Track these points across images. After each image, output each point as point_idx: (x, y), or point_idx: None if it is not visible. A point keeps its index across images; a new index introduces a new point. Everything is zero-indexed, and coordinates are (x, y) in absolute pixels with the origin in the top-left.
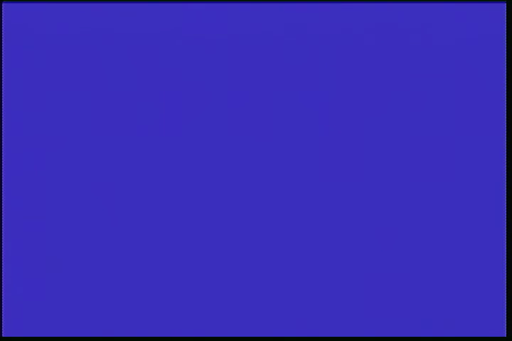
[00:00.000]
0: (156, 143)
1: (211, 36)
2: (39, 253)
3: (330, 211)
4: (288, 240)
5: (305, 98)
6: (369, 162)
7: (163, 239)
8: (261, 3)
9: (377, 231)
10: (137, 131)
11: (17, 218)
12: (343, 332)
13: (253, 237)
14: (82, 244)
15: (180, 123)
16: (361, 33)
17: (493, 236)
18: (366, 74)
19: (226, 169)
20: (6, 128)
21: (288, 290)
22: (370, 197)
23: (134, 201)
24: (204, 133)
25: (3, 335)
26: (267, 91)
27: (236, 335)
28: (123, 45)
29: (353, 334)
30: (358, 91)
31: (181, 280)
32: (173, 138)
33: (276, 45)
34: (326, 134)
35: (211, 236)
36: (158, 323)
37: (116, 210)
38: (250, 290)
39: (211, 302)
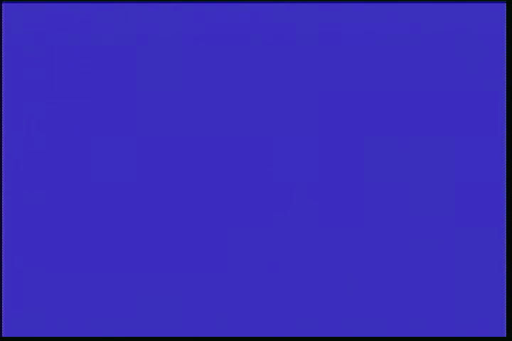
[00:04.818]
0: (157, 143)
1: (211, 36)
2: (39, 253)
3: (329, 211)
4: (287, 240)
5: (305, 98)
6: (369, 162)
7: (163, 239)
8: (261, 3)
9: (376, 231)
10: (137, 131)
11: (17, 218)
12: (343, 332)
13: (252, 237)
14: (82, 244)
15: (179, 123)
16: (361, 33)
17: (493, 236)
18: (366, 74)
19: (225, 169)
20: (6, 128)
21: (288, 291)
22: (370, 198)
23: (134, 201)
24: (205, 134)
25: (3, 335)
26: (266, 91)
27: (236, 335)
28: (123, 46)
29: (353, 334)
30: (357, 92)
31: (181, 280)
32: (173, 139)
33: (276, 45)
34: (325, 135)
35: (210, 236)
36: (158, 323)
37: (115, 210)
38: (250, 291)
39: (211, 303)
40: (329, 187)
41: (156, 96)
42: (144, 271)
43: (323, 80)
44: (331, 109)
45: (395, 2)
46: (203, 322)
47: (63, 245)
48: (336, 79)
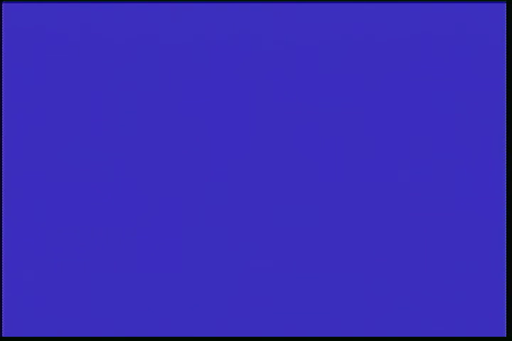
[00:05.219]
0: (156, 144)
1: (211, 37)
2: (39, 253)
3: (329, 211)
4: (287, 240)
5: (305, 98)
6: (370, 162)
7: (163, 239)
8: (261, 4)
9: (377, 231)
10: (136, 132)
11: (17, 218)
12: (343, 332)
13: (253, 238)
14: (82, 244)
15: (178, 123)
16: (361, 33)
17: (493, 236)
18: (365, 74)
19: (226, 171)
20: (6, 128)
21: (288, 291)
22: (371, 198)
23: (134, 202)
24: (204, 134)
25: (3, 335)
26: (266, 91)
27: (236, 335)
28: (123, 46)
29: (353, 334)
30: (357, 92)
31: (181, 280)
32: (172, 139)
33: (275, 45)
34: (325, 135)
35: (211, 236)
36: (158, 323)
37: (115, 210)
38: (250, 290)
39: (211, 302)
40: (329, 187)
41: (155, 97)
42: (143, 271)
43: (323, 80)
44: (331, 109)
45: (395, 2)
46: (203, 322)
47: (63, 245)
48: (336, 79)
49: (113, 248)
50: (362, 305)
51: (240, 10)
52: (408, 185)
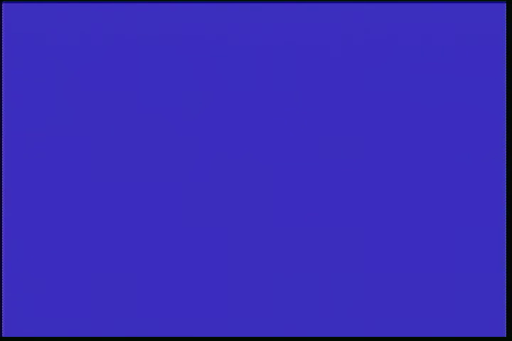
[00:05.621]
0: (154, 145)
1: (211, 37)
2: (39, 253)
3: (329, 211)
4: (288, 240)
5: (305, 99)
6: (370, 163)
7: (163, 239)
8: (261, 4)
9: (377, 231)
10: (136, 132)
11: (17, 218)
12: (343, 332)
13: (253, 238)
14: (81, 244)
15: (178, 124)
16: (361, 33)
17: (493, 236)
18: (365, 74)
19: (225, 172)
20: (6, 128)
21: (288, 290)
22: (371, 198)
23: (134, 202)
24: (203, 134)
25: (3, 335)
26: (266, 92)
27: (236, 335)
28: (123, 46)
29: (353, 334)
30: (357, 92)
31: (181, 280)
32: (170, 140)
33: (275, 45)
34: (324, 135)
35: (211, 236)
36: (158, 323)
37: (115, 211)
38: (250, 291)
39: (211, 302)
40: (328, 187)
41: (155, 97)
42: (143, 271)
43: (323, 80)
44: (330, 109)
45: (395, 2)
46: (203, 322)
47: (63, 245)
48: (335, 79)
49: (112, 248)
50: (362, 305)
51: (240, 10)
52: (408, 185)
